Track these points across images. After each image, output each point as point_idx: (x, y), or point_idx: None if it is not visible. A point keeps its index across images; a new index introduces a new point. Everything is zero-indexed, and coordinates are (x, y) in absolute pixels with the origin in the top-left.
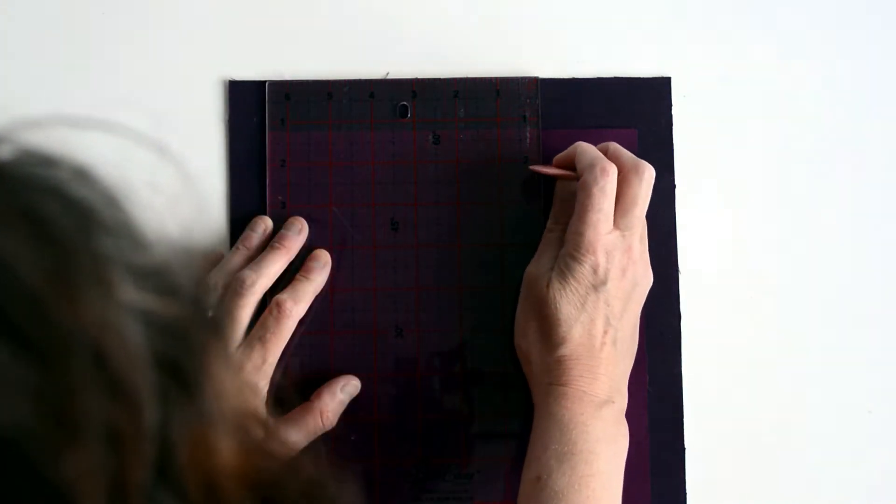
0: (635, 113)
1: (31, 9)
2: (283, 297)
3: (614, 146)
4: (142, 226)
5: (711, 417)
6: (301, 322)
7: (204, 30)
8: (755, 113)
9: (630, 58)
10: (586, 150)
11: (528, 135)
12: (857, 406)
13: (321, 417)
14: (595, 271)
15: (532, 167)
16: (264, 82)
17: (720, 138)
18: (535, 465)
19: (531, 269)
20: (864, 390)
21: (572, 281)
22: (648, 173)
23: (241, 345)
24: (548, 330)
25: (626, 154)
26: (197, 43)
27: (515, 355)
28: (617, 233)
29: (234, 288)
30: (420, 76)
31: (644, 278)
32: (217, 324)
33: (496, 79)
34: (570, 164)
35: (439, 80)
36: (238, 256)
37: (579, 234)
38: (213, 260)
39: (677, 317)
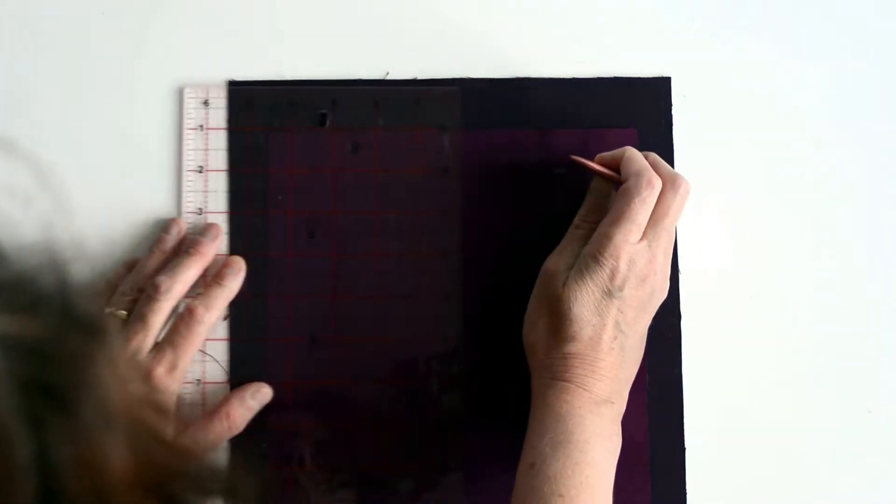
0: (635, 113)
1: None
2: (195, 303)
3: (654, 157)
4: None
5: (711, 417)
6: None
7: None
8: (755, 113)
9: (630, 58)
10: (635, 157)
11: (447, 143)
12: (857, 406)
13: (227, 420)
14: (613, 276)
15: (573, 157)
16: (182, 87)
17: (720, 138)
18: (530, 454)
19: (550, 264)
20: (864, 390)
21: (589, 282)
22: (684, 188)
23: (151, 350)
24: (558, 326)
25: (665, 166)
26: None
27: (436, 364)
28: (644, 243)
29: (148, 293)
30: (421, 76)
31: (661, 290)
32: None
33: (416, 88)
34: (613, 166)
35: (359, 88)
36: (153, 260)
37: (607, 238)
38: (130, 265)
39: (677, 317)
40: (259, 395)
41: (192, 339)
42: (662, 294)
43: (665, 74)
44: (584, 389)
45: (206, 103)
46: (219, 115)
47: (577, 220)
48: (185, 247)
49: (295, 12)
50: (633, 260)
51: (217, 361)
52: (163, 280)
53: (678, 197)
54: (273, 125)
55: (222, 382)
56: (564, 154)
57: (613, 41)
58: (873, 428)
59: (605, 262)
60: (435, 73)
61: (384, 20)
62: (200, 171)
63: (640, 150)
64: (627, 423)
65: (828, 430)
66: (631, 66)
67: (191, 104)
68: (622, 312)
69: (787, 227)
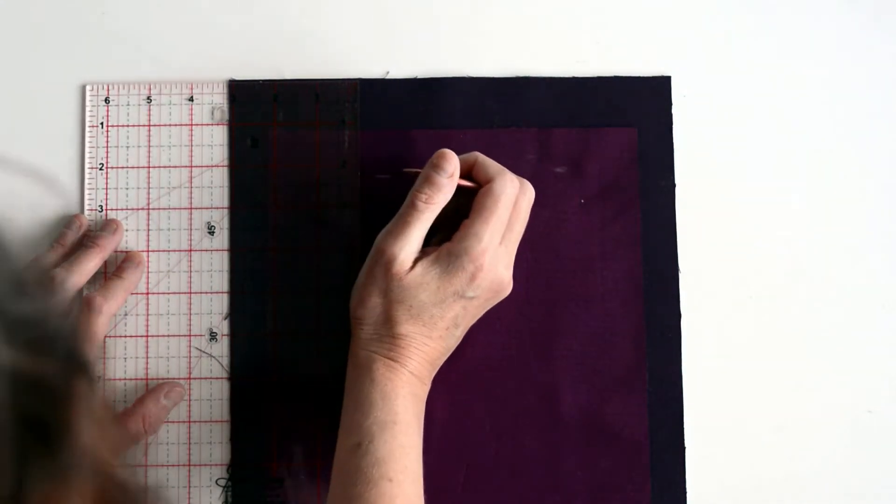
0: (635, 112)
1: None
2: (94, 294)
3: (498, 164)
4: (19, 266)
5: (711, 417)
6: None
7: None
8: (755, 113)
9: (630, 57)
10: (489, 161)
11: (346, 138)
12: (857, 406)
13: (143, 423)
14: (472, 280)
15: (407, 170)
16: (84, 84)
17: (720, 138)
18: (356, 432)
19: (387, 246)
20: (864, 390)
21: (445, 278)
22: (531, 192)
23: None
24: (394, 309)
25: (511, 173)
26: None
27: (326, 360)
28: (503, 247)
29: (45, 286)
30: (421, 75)
31: (507, 290)
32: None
33: (316, 81)
34: (463, 169)
35: (258, 82)
36: (53, 254)
37: (477, 238)
38: (72, 225)
39: (677, 317)
40: (172, 395)
41: (90, 330)
42: (507, 293)
43: (665, 74)
44: (409, 371)
45: (106, 101)
46: (120, 112)
47: (418, 200)
48: (85, 241)
49: (292, 12)
50: (493, 264)
51: (216, 358)
52: (58, 272)
53: (526, 201)
54: (172, 121)
55: (138, 379)
56: (565, 153)
57: (613, 41)
58: (873, 428)
59: (468, 265)
60: (435, 73)
61: (384, 20)
62: (101, 169)
63: (640, 149)
64: (627, 423)
65: (828, 430)
66: (631, 65)
67: (91, 101)
68: (465, 309)
69: (787, 227)
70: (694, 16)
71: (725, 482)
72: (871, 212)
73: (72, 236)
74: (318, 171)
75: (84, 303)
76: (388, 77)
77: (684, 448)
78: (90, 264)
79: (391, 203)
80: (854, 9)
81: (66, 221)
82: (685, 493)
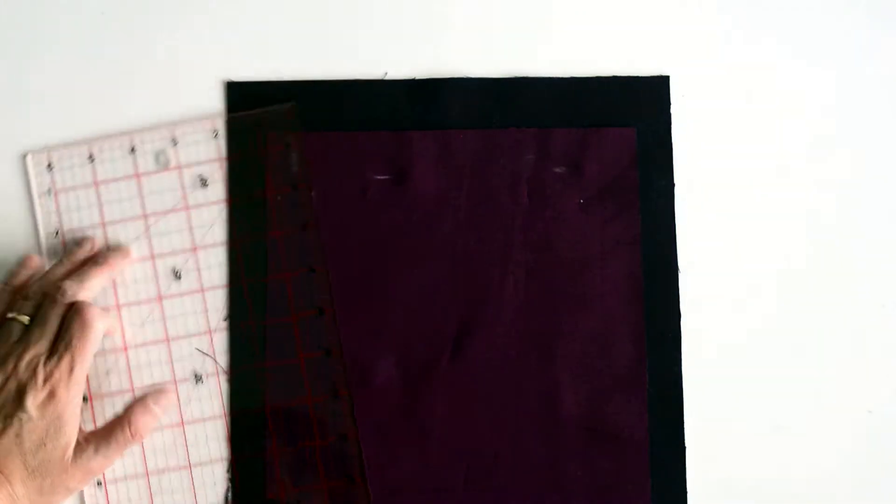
0: (634, 112)
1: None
2: (86, 304)
3: None
4: None
5: (711, 417)
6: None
7: None
8: (755, 112)
9: (630, 57)
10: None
11: (294, 161)
12: (857, 406)
13: (130, 430)
14: None
15: None
16: (25, 153)
17: (719, 138)
18: None
19: None
20: (864, 390)
21: None
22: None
23: (51, 354)
24: None
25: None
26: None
27: (319, 385)
28: None
29: (52, 296)
30: (420, 76)
31: None
32: None
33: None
34: None
35: (198, 120)
36: (62, 268)
37: None
38: (25, 264)
39: (677, 317)
40: (162, 401)
41: (85, 338)
42: None
43: (664, 73)
44: None
45: (49, 167)
46: (64, 175)
47: None
48: (95, 258)
49: (291, 12)
50: None
51: (214, 359)
52: (69, 285)
53: None
54: (118, 176)
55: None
56: (564, 153)
57: (613, 41)
58: (873, 428)
59: None
60: (434, 73)
61: (382, 20)
62: (56, 235)
63: (640, 149)
64: (627, 423)
65: (828, 430)
66: (630, 65)
67: (35, 170)
68: None
69: (787, 227)
70: (693, 16)
71: (725, 482)
72: (872, 211)
73: (81, 254)
74: (271, 199)
75: (75, 314)
76: (388, 77)
77: (684, 448)
78: (98, 281)
79: (390, 204)
80: (855, 8)
81: (78, 241)
82: (685, 493)
